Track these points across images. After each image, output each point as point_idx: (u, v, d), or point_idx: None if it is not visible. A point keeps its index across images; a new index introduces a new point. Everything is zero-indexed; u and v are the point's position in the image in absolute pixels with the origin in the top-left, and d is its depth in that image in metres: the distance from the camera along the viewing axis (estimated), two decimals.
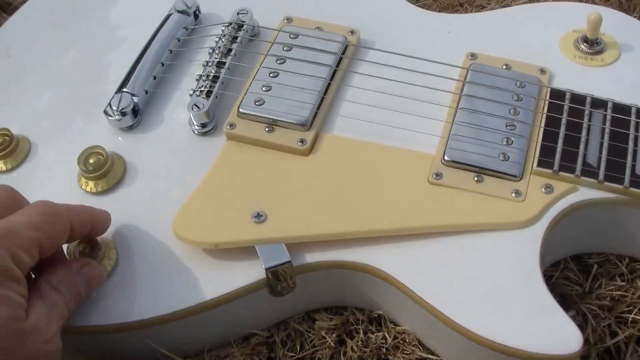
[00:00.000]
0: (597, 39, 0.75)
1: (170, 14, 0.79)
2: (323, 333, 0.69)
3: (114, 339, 0.63)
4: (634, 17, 0.83)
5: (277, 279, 0.63)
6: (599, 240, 0.71)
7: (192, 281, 0.63)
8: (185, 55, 0.78)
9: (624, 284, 0.71)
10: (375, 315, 0.69)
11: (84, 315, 0.62)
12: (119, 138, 0.72)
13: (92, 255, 0.63)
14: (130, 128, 0.73)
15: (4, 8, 1.01)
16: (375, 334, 0.68)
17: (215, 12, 0.82)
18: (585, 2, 0.92)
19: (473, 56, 0.75)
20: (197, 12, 0.81)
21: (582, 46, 0.75)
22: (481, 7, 0.95)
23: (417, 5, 0.84)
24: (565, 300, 0.70)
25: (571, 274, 0.72)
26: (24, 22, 0.85)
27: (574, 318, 0.67)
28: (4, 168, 0.71)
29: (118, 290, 0.63)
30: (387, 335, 0.68)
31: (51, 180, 0.70)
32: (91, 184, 0.69)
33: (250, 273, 0.63)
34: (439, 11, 0.93)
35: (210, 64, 0.74)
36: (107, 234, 0.65)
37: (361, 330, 0.69)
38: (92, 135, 0.72)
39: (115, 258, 0.64)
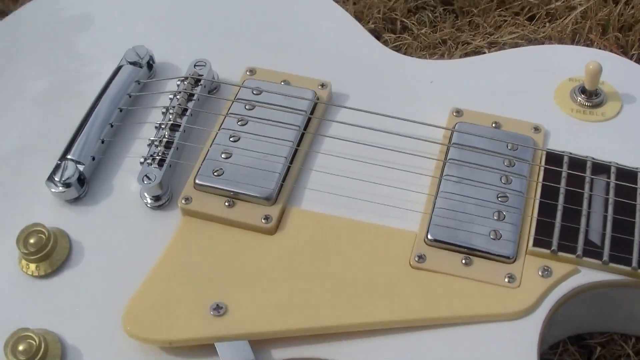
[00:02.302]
0: (597, 90, 0.67)
1: (121, 66, 0.71)
2: None
3: None
4: (633, 53, 0.76)
5: None
6: (602, 319, 0.65)
7: None
8: (137, 115, 0.70)
9: None
10: None
11: None
12: (64, 211, 0.65)
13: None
14: (76, 200, 0.66)
15: None
16: None
17: (172, 61, 0.74)
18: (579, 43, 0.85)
19: (458, 113, 0.67)
20: (151, 62, 0.72)
21: (580, 98, 0.68)
22: (466, 44, 0.87)
23: (395, 45, 0.76)
24: None
25: (570, 359, 0.65)
26: None
27: None
28: None
29: None
30: None
31: None
32: (32, 266, 0.62)
33: None
34: (420, 50, 0.85)
35: (163, 126, 0.66)
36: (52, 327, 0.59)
37: None
38: (33, 209, 0.66)
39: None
